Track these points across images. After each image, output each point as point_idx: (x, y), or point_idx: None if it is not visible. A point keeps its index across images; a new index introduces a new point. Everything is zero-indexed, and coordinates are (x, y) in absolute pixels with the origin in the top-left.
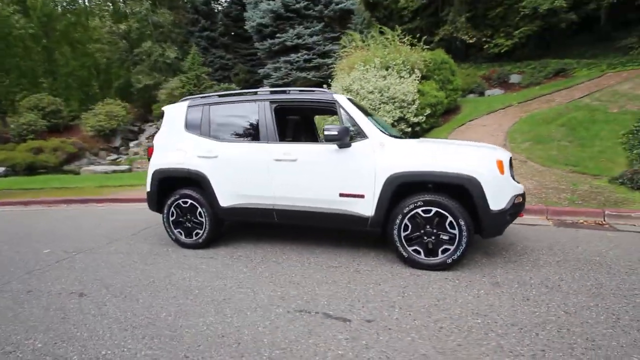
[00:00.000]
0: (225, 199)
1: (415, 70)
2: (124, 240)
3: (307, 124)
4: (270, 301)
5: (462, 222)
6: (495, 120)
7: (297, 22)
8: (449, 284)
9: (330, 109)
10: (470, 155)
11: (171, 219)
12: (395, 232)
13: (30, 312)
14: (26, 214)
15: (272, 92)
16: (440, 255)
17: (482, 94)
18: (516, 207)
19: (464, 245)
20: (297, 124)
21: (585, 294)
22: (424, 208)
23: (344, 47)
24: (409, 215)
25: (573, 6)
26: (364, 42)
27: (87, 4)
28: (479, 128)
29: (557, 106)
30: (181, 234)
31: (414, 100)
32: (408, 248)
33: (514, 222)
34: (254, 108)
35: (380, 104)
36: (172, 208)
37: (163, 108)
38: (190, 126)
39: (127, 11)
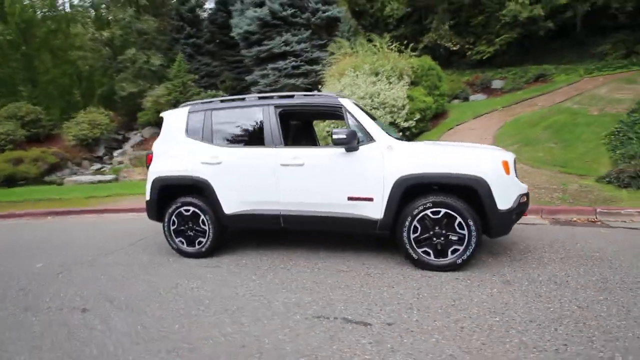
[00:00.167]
0: (229, 206)
1: (404, 76)
2: (122, 252)
3: (306, 128)
4: (286, 308)
5: (471, 223)
6: (482, 124)
7: (284, 30)
8: (461, 284)
9: (336, 113)
10: (477, 156)
11: (172, 227)
12: (405, 234)
13: (31, 330)
14: (11, 227)
15: (277, 97)
16: (450, 256)
17: (466, 99)
18: (521, 206)
19: (473, 245)
20: (297, 129)
21: (592, 288)
22: (433, 209)
23: (332, 54)
24: (418, 217)
25: (550, 14)
26: (352, 49)
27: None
28: (467, 132)
29: (541, 110)
30: (183, 243)
31: (404, 106)
32: (418, 250)
33: None
34: (259, 113)
35: (371, 110)
36: (174, 217)
37: (162, 114)
38: (191, 132)
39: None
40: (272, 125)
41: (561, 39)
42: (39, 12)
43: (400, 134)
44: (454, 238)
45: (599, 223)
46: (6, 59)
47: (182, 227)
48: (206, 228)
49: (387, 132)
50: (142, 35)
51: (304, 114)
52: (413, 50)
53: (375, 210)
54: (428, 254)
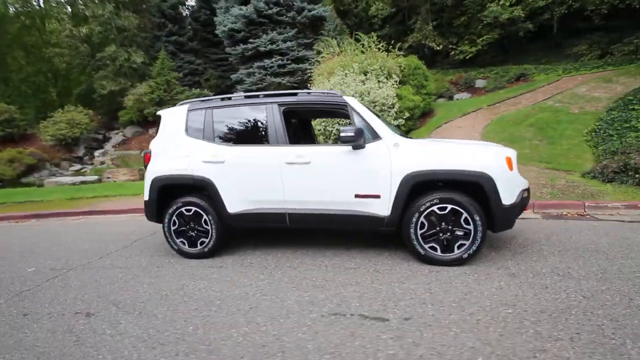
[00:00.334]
0: (233, 205)
1: (393, 75)
2: (117, 254)
3: (305, 126)
4: (300, 307)
5: (477, 218)
6: (469, 122)
7: (270, 28)
8: (469, 278)
9: (340, 111)
10: (482, 152)
11: (173, 228)
12: (412, 230)
13: (34, 337)
14: None
15: (280, 95)
16: (456, 251)
17: (451, 98)
18: (524, 201)
19: (479, 240)
20: (295, 127)
21: (593, 279)
22: (439, 205)
23: (319, 52)
24: (425, 213)
25: (530, 16)
26: (340, 47)
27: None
28: (454, 130)
29: (524, 108)
30: (184, 243)
31: (393, 104)
32: (425, 245)
33: None
34: (262, 111)
35: None
36: (174, 217)
37: (159, 112)
38: (191, 130)
39: (88, 14)
40: (276, 124)
41: (539, 40)
42: (11, 8)
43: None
44: (460, 233)
45: (588, 216)
46: None
47: (183, 228)
48: (209, 228)
49: (392, 130)
50: (122, 32)
51: (307, 112)
52: (399, 49)
53: (382, 208)
54: (435, 249)
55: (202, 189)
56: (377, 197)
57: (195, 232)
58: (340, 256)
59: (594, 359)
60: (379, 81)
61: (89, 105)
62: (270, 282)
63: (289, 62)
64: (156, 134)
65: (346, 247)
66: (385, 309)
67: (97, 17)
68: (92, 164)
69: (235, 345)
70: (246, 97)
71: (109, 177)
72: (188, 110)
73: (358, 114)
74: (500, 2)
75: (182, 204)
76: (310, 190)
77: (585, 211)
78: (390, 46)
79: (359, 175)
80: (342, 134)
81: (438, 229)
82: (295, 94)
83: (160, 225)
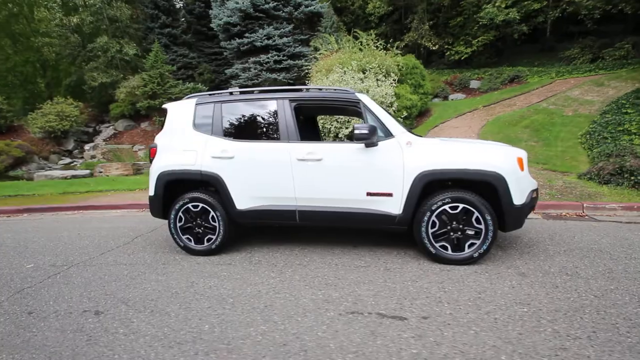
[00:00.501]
0: (242, 202)
1: (391, 73)
2: (119, 250)
3: (311, 123)
4: (315, 305)
5: (488, 217)
6: (465, 122)
7: (266, 23)
8: (481, 277)
9: (353, 107)
10: (494, 153)
11: (179, 224)
12: (423, 229)
13: (43, 336)
14: None
15: (292, 90)
16: (467, 250)
17: (446, 98)
18: (533, 201)
19: (489, 239)
20: (302, 124)
21: (601, 278)
22: (451, 205)
23: (316, 49)
24: (436, 212)
25: (524, 19)
26: (338, 44)
27: None
28: (451, 130)
29: (519, 110)
30: (190, 240)
31: (392, 103)
32: (436, 244)
33: None
34: (273, 106)
35: None
36: (180, 213)
37: (165, 105)
38: (199, 125)
39: (79, 3)
40: (287, 119)
41: (532, 43)
42: None
43: None
44: (471, 232)
45: (586, 217)
46: None
47: (189, 224)
48: (216, 224)
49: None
50: (114, 23)
51: (318, 109)
52: (390, 49)
53: (395, 206)
54: (446, 248)
55: (210, 184)
56: (390, 195)
57: (202, 228)
58: (348, 254)
59: (614, 357)
60: (377, 79)
61: (79, 98)
62: (281, 280)
63: (285, 58)
64: (149, 126)
65: (354, 245)
66: (402, 308)
67: (89, 7)
68: (82, 157)
69: (255, 344)
70: (256, 92)
71: (101, 172)
72: (196, 104)
73: (371, 111)
74: (496, 4)
75: (189, 200)
76: (322, 188)
77: (583, 212)
78: (389, 44)
79: (372, 173)
80: (356, 131)
81: (449, 228)
82: (307, 90)
83: (161, 221)
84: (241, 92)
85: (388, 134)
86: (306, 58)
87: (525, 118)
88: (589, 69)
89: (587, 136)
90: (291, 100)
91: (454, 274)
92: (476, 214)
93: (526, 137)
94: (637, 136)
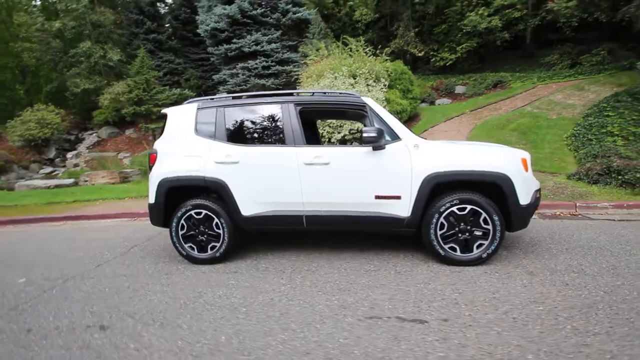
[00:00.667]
0: (247, 208)
1: (381, 79)
2: (116, 262)
3: (310, 127)
4: (332, 311)
5: (496, 218)
6: (453, 126)
7: (254, 29)
8: (492, 277)
9: (358, 111)
10: (500, 154)
11: (181, 233)
12: (432, 231)
13: (47, 355)
14: None
15: (297, 94)
16: (475, 251)
17: (432, 103)
18: (537, 201)
19: (497, 240)
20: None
21: (607, 275)
22: (459, 206)
23: (304, 55)
24: (444, 214)
25: (506, 26)
26: (328, 50)
27: None
28: (441, 134)
29: (505, 113)
30: (193, 249)
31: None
32: (445, 246)
33: None
34: (277, 110)
35: None
36: (182, 221)
37: (165, 110)
38: (202, 130)
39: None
40: (292, 123)
41: (513, 50)
42: None
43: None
44: (478, 233)
45: (580, 216)
46: None
47: (192, 232)
48: (220, 232)
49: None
50: (97, 28)
51: (322, 113)
52: (379, 55)
53: (403, 208)
54: (454, 249)
55: (214, 190)
56: (398, 198)
57: (206, 236)
58: (357, 258)
59: (635, 351)
60: (367, 85)
61: (61, 104)
62: (292, 287)
63: (273, 63)
64: (134, 133)
65: (360, 249)
66: (420, 311)
67: (71, 12)
68: (65, 166)
69: (277, 354)
70: (261, 95)
71: (86, 180)
72: (198, 109)
73: (377, 114)
74: (479, 12)
75: (191, 207)
76: (329, 192)
77: (577, 211)
78: (378, 50)
79: (379, 176)
80: (364, 135)
81: (457, 229)
82: (311, 94)
83: (156, 230)
84: (245, 96)
85: (395, 137)
86: (294, 64)
87: (512, 121)
88: (569, 74)
89: (573, 138)
90: (296, 104)
91: (465, 275)
92: (484, 215)
93: (514, 140)
94: (619, 137)
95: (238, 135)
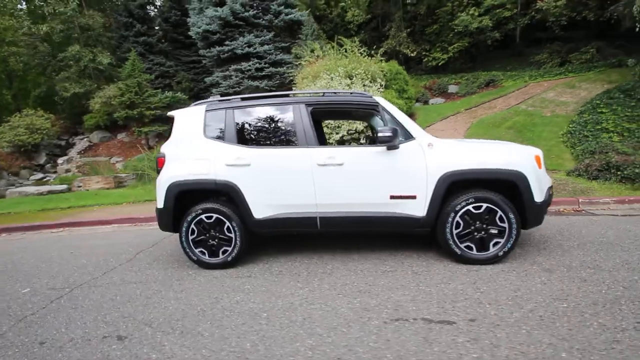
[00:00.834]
0: (260, 210)
1: (377, 79)
2: (123, 268)
3: (316, 128)
4: (356, 314)
5: (511, 216)
6: (449, 125)
7: (246, 31)
8: (510, 275)
9: (370, 111)
10: (514, 152)
11: (191, 237)
12: (448, 230)
13: None
14: None
15: (307, 94)
16: (491, 249)
17: (426, 102)
18: (550, 198)
19: (513, 237)
20: None
21: (622, 270)
22: (475, 205)
23: (297, 56)
24: (460, 213)
25: (496, 26)
26: (323, 51)
27: None
28: (438, 133)
29: (500, 112)
30: (204, 253)
31: None
32: (460, 245)
33: None
34: (288, 111)
35: None
36: (193, 225)
37: (172, 113)
38: (210, 132)
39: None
40: (304, 124)
41: (503, 49)
42: None
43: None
44: (494, 231)
45: (583, 212)
46: None
47: (202, 237)
48: (232, 236)
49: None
50: (85, 31)
51: (333, 113)
52: (374, 56)
53: (418, 208)
54: (470, 248)
55: (226, 194)
56: (413, 197)
57: (217, 240)
58: (370, 259)
59: None
60: (364, 85)
61: (50, 109)
62: (311, 290)
63: (266, 65)
64: (126, 137)
65: (371, 250)
66: (446, 312)
67: (58, 15)
68: (56, 172)
69: None
70: (271, 96)
71: (80, 186)
72: (206, 111)
73: (390, 114)
74: (470, 12)
75: (202, 211)
76: (344, 193)
77: (579, 207)
78: (373, 51)
79: (394, 176)
80: (379, 134)
81: (473, 228)
82: (322, 94)
83: (161, 235)
84: (254, 97)
85: (408, 136)
86: (288, 65)
87: (507, 120)
88: (560, 72)
89: (569, 135)
90: (307, 104)
91: (483, 273)
92: (500, 213)
93: (511, 137)
94: (614, 134)
95: (249, 137)
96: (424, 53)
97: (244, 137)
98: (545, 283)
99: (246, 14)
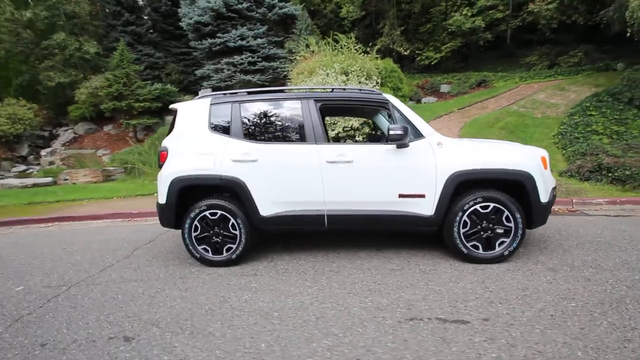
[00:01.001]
0: (266, 207)
1: (373, 76)
2: (121, 265)
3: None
4: (369, 313)
5: (517, 215)
6: (443, 124)
7: (239, 23)
8: (516, 274)
9: (380, 108)
10: (522, 152)
11: (194, 234)
12: (455, 229)
13: None
14: None
15: (316, 90)
16: (497, 248)
17: (419, 101)
18: (554, 198)
19: (519, 237)
20: None
21: (622, 269)
22: (482, 204)
23: (291, 51)
24: (467, 212)
25: (488, 27)
26: (319, 47)
27: None
28: None
29: (493, 112)
30: (207, 251)
31: None
32: (467, 244)
33: None
34: (297, 106)
35: None
36: (196, 222)
37: (174, 106)
38: (216, 126)
39: None
40: (313, 120)
41: (494, 50)
42: None
43: (373, 132)
44: (500, 231)
45: (577, 212)
46: None
47: (206, 234)
48: (237, 233)
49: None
50: (71, 19)
51: (341, 109)
52: (367, 53)
53: (427, 207)
54: (477, 247)
55: (232, 190)
56: (422, 196)
57: (221, 237)
58: (376, 258)
59: None
60: (359, 82)
61: (33, 99)
62: (320, 289)
63: (259, 59)
64: (113, 129)
65: (377, 248)
66: (459, 311)
67: (43, 1)
68: (39, 164)
69: None
70: (279, 91)
71: (66, 179)
72: (211, 104)
73: (400, 111)
74: (463, 12)
75: (206, 207)
76: (352, 190)
77: (573, 207)
78: (369, 48)
79: (404, 175)
80: (391, 132)
81: (479, 227)
82: (330, 90)
83: (158, 231)
84: (261, 92)
85: (418, 135)
86: (281, 60)
87: (499, 120)
88: (549, 74)
89: (560, 136)
90: (316, 100)
91: (489, 272)
92: (506, 212)
93: (504, 138)
94: (604, 136)
95: (256, 132)
96: (417, 52)
97: (251, 132)
98: (551, 282)
99: (239, 6)
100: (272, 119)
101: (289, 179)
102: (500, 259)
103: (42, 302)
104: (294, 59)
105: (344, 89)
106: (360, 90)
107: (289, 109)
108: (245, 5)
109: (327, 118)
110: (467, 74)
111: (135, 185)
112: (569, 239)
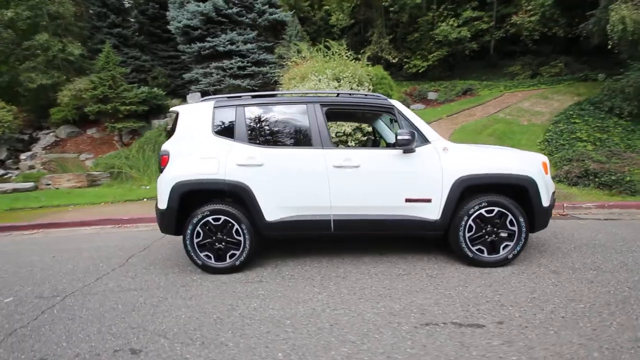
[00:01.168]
0: (272, 213)
1: (364, 83)
2: (117, 274)
3: None
4: (384, 319)
5: (521, 219)
6: None
7: (229, 28)
8: (521, 277)
9: (385, 114)
10: (524, 158)
11: (196, 241)
12: (461, 233)
13: None
14: None
15: (322, 94)
16: (501, 252)
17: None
18: (553, 202)
19: (522, 240)
20: None
21: (622, 271)
22: (487, 208)
23: (281, 57)
24: (473, 216)
25: (473, 37)
26: (310, 52)
27: None
28: None
29: (480, 119)
30: (210, 257)
31: None
32: (472, 248)
33: None
34: (302, 110)
35: None
36: (198, 228)
37: (176, 109)
38: (220, 130)
39: None
40: (319, 124)
41: (479, 59)
42: None
43: (365, 138)
44: (504, 235)
45: (568, 216)
46: None
47: (208, 240)
48: (241, 239)
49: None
50: (55, 20)
51: (346, 114)
52: (357, 60)
53: (433, 211)
54: (482, 251)
55: (233, 194)
56: (428, 201)
57: (224, 244)
58: (381, 263)
59: None
60: (351, 88)
61: (12, 101)
62: (330, 295)
63: (249, 64)
64: (97, 133)
65: (381, 253)
66: (472, 315)
67: (25, 1)
68: (19, 168)
69: None
70: (284, 95)
71: (49, 184)
72: (214, 108)
73: (405, 117)
74: (450, 23)
75: (209, 212)
76: (359, 195)
77: (564, 211)
78: (359, 55)
79: (410, 180)
80: (399, 137)
81: (484, 231)
82: (336, 95)
83: (152, 238)
84: (266, 95)
85: (424, 140)
86: (271, 65)
87: (487, 127)
88: (532, 84)
89: (546, 143)
90: (322, 104)
91: (495, 276)
92: (510, 216)
93: (492, 144)
94: (588, 143)
95: (261, 136)
96: (404, 60)
97: (256, 136)
98: (556, 285)
99: (229, 11)
100: (278, 122)
101: (296, 183)
102: (504, 262)
103: (36, 313)
104: (285, 64)
105: (350, 94)
106: (365, 95)
107: (294, 113)
108: (235, 10)
109: (335, 123)
110: (454, 82)
111: (123, 190)
112: (566, 243)
